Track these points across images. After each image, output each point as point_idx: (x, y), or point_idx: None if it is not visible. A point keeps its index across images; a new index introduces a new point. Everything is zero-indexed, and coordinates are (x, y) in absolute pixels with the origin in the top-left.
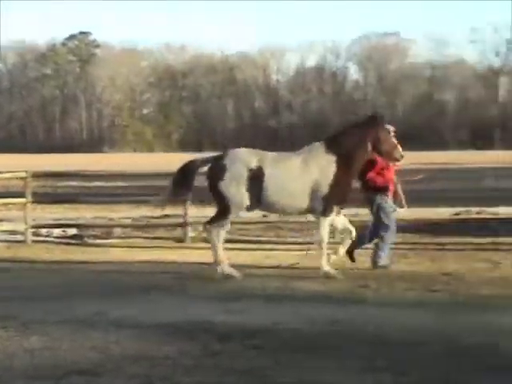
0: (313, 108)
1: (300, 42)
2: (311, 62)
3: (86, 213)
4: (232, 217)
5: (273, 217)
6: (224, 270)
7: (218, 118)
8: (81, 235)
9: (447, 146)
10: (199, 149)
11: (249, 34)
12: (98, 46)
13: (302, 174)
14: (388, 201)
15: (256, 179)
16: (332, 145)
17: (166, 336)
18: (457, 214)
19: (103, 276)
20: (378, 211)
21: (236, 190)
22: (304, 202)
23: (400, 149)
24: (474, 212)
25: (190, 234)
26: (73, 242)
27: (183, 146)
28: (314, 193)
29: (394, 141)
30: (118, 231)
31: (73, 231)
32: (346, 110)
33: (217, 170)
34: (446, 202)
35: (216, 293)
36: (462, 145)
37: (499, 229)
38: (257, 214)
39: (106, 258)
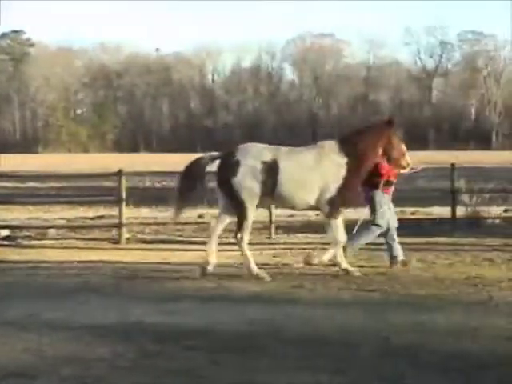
0: (248, 108)
1: (235, 42)
2: (247, 62)
3: (20, 214)
4: (252, 213)
5: (207, 218)
6: (253, 271)
7: (154, 118)
8: (14, 236)
9: None
10: (135, 149)
11: (184, 34)
12: (32, 45)
13: (314, 169)
14: (385, 200)
15: (270, 173)
16: (344, 145)
17: (100, 337)
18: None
19: (36, 277)
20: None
21: (250, 184)
22: (313, 198)
23: (407, 157)
24: (408, 212)
25: (125, 235)
26: (5, 243)
27: (118, 147)
28: (322, 191)
29: (404, 148)
30: (52, 232)
31: (5, 232)
32: (281, 110)
33: (229, 166)
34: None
35: (151, 294)
36: None
37: (433, 229)
38: (193, 215)
39: (39, 259)
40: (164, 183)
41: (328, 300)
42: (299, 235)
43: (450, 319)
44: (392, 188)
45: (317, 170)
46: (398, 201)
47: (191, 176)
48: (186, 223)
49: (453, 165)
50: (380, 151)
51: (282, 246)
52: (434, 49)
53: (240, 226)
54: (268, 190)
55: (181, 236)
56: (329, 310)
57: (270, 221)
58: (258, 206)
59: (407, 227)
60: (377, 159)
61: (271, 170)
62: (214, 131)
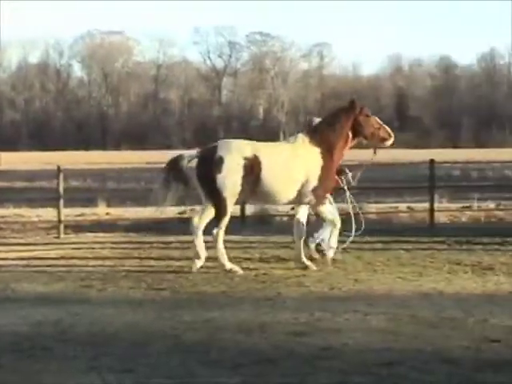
0: (36, 105)
1: (22, 38)
2: (34, 58)
3: None
4: (230, 209)
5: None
6: (227, 266)
7: None
8: None
9: (172, 145)
10: None
11: None
12: None
13: (293, 163)
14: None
15: (253, 169)
16: (314, 136)
17: None
18: (181, 213)
19: None
20: None
21: (234, 181)
22: (295, 192)
23: (387, 128)
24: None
25: None
26: None
27: None
28: (304, 183)
29: (378, 121)
30: None
31: None
32: (70, 107)
33: (213, 162)
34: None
35: None
36: (186, 144)
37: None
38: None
39: None
40: None
41: (118, 299)
42: (89, 234)
43: (240, 316)
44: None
45: (295, 164)
46: (187, 199)
47: (171, 174)
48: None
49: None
50: (349, 134)
51: (72, 246)
52: (222, 48)
53: (218, 221)
54: (250, 186)
55: None
56: (118, 309)
57: (59, 220)
58: (240, 202)
59: None
60: (348, 142)
61: (253, 166)
62: (0, 129)
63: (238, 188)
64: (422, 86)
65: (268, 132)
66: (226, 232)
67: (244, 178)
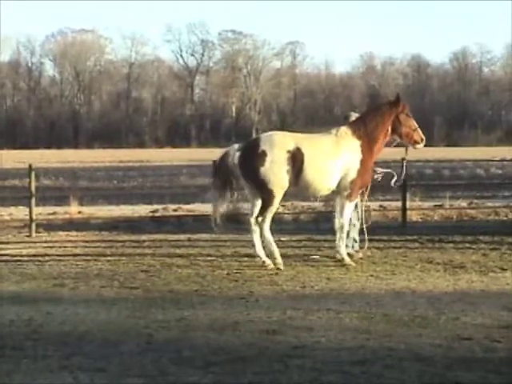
0: (8, 104)
1: None
2: (5, 56)
3: None
4: (278, 201)
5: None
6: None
7: None
8: None
9: (144, 143)
10: None
11: None
12: None
13: (334, 155)
14: None
15: (296, 160)
16: (356, 129)
17: None
18: (154, 212)
19: None
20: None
21: (278, 173)
22: (334, 183)
23: (420, 132)
24: (171, 209)
25: None
26: None
27: None
28: (343, 175)
29: (415, 123)
30: None
31: None
32: (41, 106)
33: (255, 156)
34: (143, 199)
35: None
36: (158, 142)
37: (195, 225)
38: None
39: None
40: None
41: (90, 298)
42: (61, 233)
43: (212, 314)
44: None
45: (337, 156)
46: (159, 198)
47: (222, 171)
48: None
49: (214, 162)
50: (389, 130)
51: (44, 245)
52: (195, 47)
53: (265, 211)
54: (293, 178)
55: None
56: (91, 308)
57: (31, 219)
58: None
59: (170, 224)
60: (387, 138)
61: (296, 159)
62: None
63: (283, 180)
64: (395, 84)
65: (241, 130)
66: (199, 231)
67: (287, 170)
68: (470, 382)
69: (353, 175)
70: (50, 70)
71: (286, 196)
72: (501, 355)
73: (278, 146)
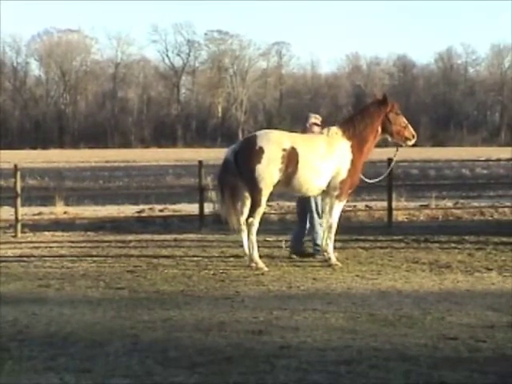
0: None
1: None
2: None
3: None
4: (265, 200)
5: None
6: (256, 262)
7: None
8: None
9: (130, 143)
10: None
11: None
12: None
13: (327, 154)
14: None
15: (290, 159)
16: (346, 129)
17: None
18: (140, 212)
19: None
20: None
21: (272, 171)
22: (326, 183)
23: (411, 129)
24: (157, 209)
25: None
26: None
27: None
28: (334, 175)
29: (405, 120)
30: None
31: None
32: (27, 106)
33: (253, 153)
34: (129, 199)
35: None
36: (144, 142)
37: (181, 226)
38: None
39: None
40: None
41: (76, 299)
42: (47, 233)
43: (198, 315)
44: None
45: (329, 156)
46: (145, 198)
47: (227, 181)
48: None
49: (200, 162)
50: (379, 130)
51: (29, 245)
52: (181, 47)
53: (254, 211)
54: (286, 177)
55: None
56: (76, 308)
57: (16, 219)
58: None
59: (156, 224)
60: (377, 138)
61: (291, 157)
62: None
63: (276, 179)
64: (380, 84)
65: (226, 130)
66: (185, 231)
67: (282, 169)
68: (456, 382)
69: (343, 175)
70: (35, 69)
71: (272, 196)
72: (486, 355)
73: (274, 143)
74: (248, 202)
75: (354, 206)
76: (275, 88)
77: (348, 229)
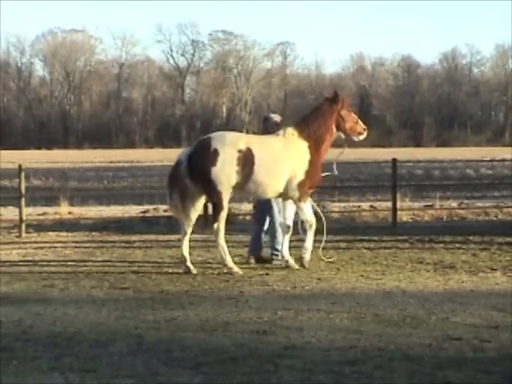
0: None
1: None
2: None
3: None
4: (226, 202)
5: None
6: (229, 266)
7: None
8: None
9: (135, 143)
10: None
11: None
12: None
13: (283, 156)
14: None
15: (246, 161)
16: (302, 130)
17: None
18: (144, 212)
19: None
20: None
21: (228, 173)
22: (282, 185)
23: (361, 123)
24: (161, 209)
25: None
26: None
27: None
28: (290, 178)
29: (355, 116)
30: None
31: None
32: (31, 106)
33: (207, 155)
34: (133, 199)
35: None
36: (149, 142)
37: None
38: None
39: None
40: None
41: (80, 299)
42: (51, 234)
43: (203, 315)
44: None
45: (286, 158)
46: (150, 198)
47: (177, 175)
48: None
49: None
50: (334, 129)
51: (34, 246)
52: (185, 47)
53: (217, 216)
54: (242, 179)
55: None
56: (81, 308)
57: (21, 219)
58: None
59: (160, 224)
60: (333, 136)
61: (247, 159)
62: None
63: (234, 181)
64: (385, 85)
65: (231, 131)
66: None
67: (238, 171)
68: (460, 382)
69: (300, 177)
70: (39, 70)
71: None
72: (490, 355)
73: (229, 145)
74: (197, 206)
75: (359, 207)
76: (280, 88)
77: (352, 229)
